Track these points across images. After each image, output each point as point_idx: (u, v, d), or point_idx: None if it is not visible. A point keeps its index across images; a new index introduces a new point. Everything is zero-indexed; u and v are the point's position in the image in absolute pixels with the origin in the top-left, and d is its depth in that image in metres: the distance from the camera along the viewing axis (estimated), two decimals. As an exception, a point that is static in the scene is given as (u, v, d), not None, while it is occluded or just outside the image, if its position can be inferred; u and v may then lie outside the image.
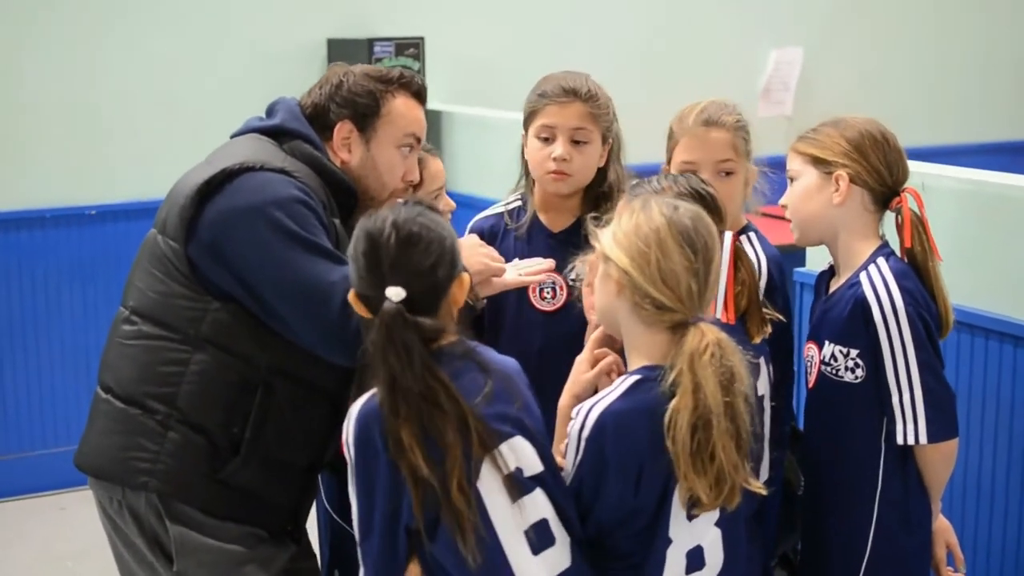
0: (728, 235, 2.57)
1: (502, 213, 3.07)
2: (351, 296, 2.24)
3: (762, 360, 2.69)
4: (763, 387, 2.67)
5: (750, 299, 2.60)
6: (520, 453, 2.20)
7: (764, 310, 2.67)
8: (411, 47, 5.44)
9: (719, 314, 2.55)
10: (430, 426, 2.12)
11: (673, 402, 2.19)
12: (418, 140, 2.86)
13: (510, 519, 2.17)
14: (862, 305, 2.64)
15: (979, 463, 3.45)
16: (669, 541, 2.26)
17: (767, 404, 2.70)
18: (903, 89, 6.91)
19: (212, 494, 2.62)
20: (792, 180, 2.79)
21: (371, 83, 2.79)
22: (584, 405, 2.28)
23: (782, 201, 2.82)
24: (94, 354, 5.34)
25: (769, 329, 2.69)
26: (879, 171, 2.71)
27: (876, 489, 2.69)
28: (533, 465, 2.21)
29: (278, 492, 2.69)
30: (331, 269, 2.54)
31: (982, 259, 3.26)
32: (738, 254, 2.58)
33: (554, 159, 2.91)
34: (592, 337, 2.49)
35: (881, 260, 2.68)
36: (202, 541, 2.62)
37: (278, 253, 2.55)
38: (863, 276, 2.67)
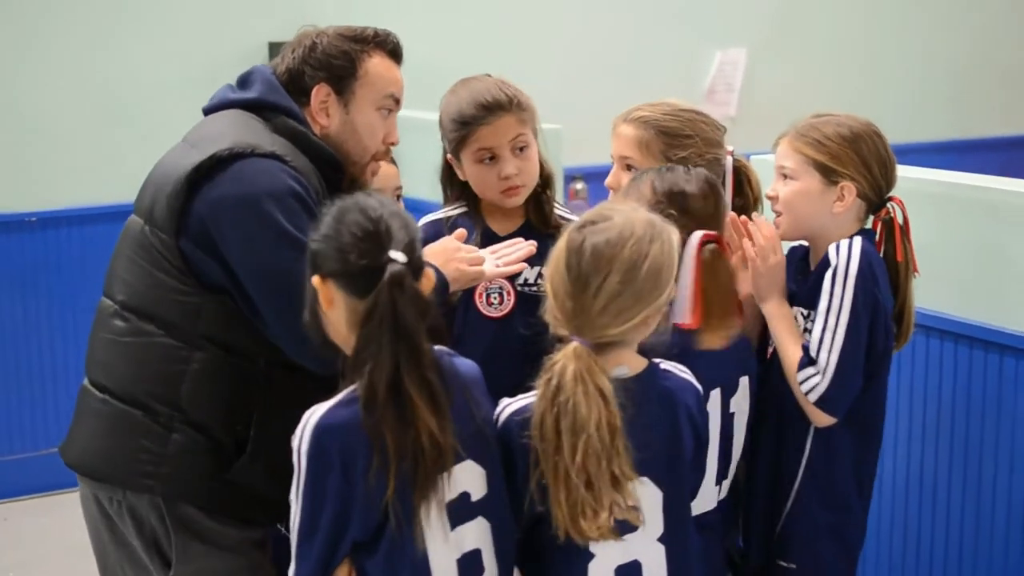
0: (696, 235, 2.54)
1: (442, 219, 2.96)
2: (316, 281, 2.14)
3: (746, 379, 2.68)
4: (736, 404, 2.65)
5: (716, 303, 2.57)
6: (467, 477, 2.16)
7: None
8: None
9: (679, 317, 2.53)
10: (436, 394, 2.07)
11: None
12: (397, 101, 2.76)
13: (444, 545, 2.13)
14: (825, 267, 2.66)
15: (921, 461, 3.47)
16: (590, 555, 2.23)
17: (740, 421, 2.67)
18: (846, 89, 6.94)
19: (218, 494, 2.57)
20: (787, 177, 2.75)
21: (346, 43, 2.69)
22: (505, 400, 2.28)
23: (770, 192, 2.80)
24: (36, 363, 5.38)
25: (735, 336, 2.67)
26: (880, 185, 2.73)
27: (802, 458, 2.72)
28: (479, 490, 2.18)
29: (278, 487, 2.58)
30: None
31: (923, 256, 3.28)
32: (715, 255, 2.56)
33: (504, 178, 2.81)
34: None
35: (857, 239, 2.67)
36: (202, 549, 2.57)
37: (266, 250, 2.47)
38: (832, 246, 2.68)
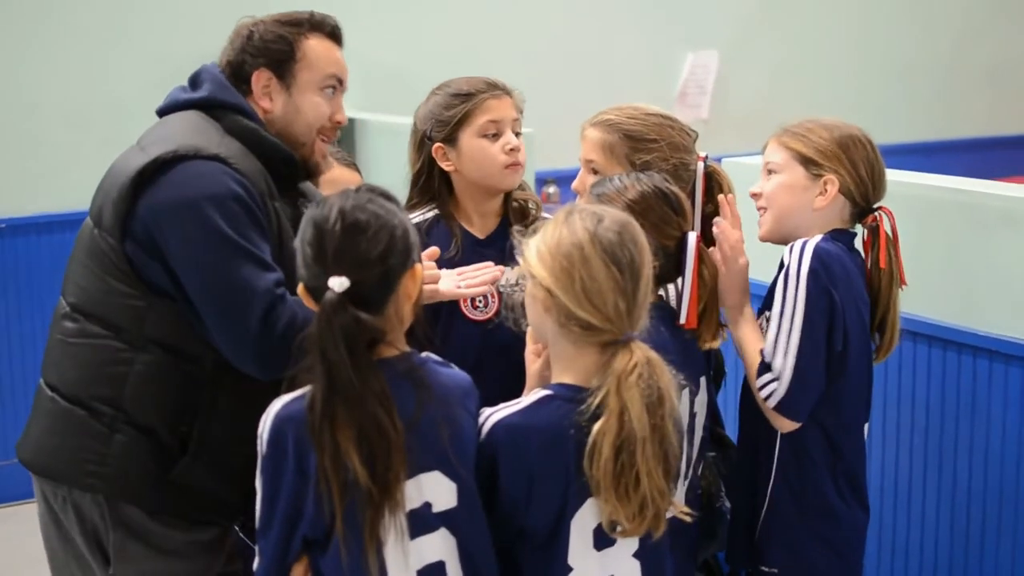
0: (692, 235, 2.55)
1: (419, 223, 2.91)
2: (300, 289, 2.13)
3: (703, 379, 2.67)
4: (698, 405, 2.64)
5: (708, 302, 2.59)
6: (432, 488, 2.13)
7: (720, 321, 2.66)
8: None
9: (682, 319, 2.53)
10: (370, 431, 2.03)
11: (598, 424, 2.12)
12: (340, 81, 2.76)
13: (401, 555, 2.10)
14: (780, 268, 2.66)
15: (895, 464, 3.47)
16: (569, 569, 2.20)
17: (700, 423, 2.66)
18: (819, 91, 6.96)
19: (161, 495, 2.57)
20: (771, 172, 2.75)
21: (282, 28, 2.69)
22: (487, 411, 2.23)
23: (754, 190, 2.79)
24: (6, 368, 5.32)
25: (725, 336, 2.67)
26: (865, 184, 2.71)
27: (773, 461, 2.71)
28: (445, 502, 2.14)
29: (227, 487, 2.62)
30: (258, 276, 2.46)
31: (905, 261, 3.29)
32: (701, 255, 2.56)
33: (511, 149, 2.85)
34: (529, 331, 2.41)
35: (815, 238, 2.65)
36: (142, 551, 2.57)
37: (205, 254, 2.47)
38: (788, 247, 2.67)
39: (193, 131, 2.60)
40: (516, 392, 2.38)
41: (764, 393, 2.61)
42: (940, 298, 3.34)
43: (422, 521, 2.12)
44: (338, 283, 2.04)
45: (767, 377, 2.61)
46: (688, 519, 2.28)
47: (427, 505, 2.13)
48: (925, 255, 3.35)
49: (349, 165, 3.13)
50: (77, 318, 2.61)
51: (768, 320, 2.67)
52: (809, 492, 2.70)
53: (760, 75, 6.94)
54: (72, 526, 2.63)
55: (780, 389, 2.59)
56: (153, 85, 5.33)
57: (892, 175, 3.52)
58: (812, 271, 2.59)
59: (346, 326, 2.02)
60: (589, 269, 2.15)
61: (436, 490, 2.14)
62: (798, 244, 2.64)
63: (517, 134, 2.89)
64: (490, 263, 2.77)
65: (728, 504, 2.87)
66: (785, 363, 2.58)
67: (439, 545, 2.14)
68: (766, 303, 2.73)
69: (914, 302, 3.33)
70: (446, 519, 2.15)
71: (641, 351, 2.16)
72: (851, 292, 2.65)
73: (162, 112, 2.76)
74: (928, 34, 7.46)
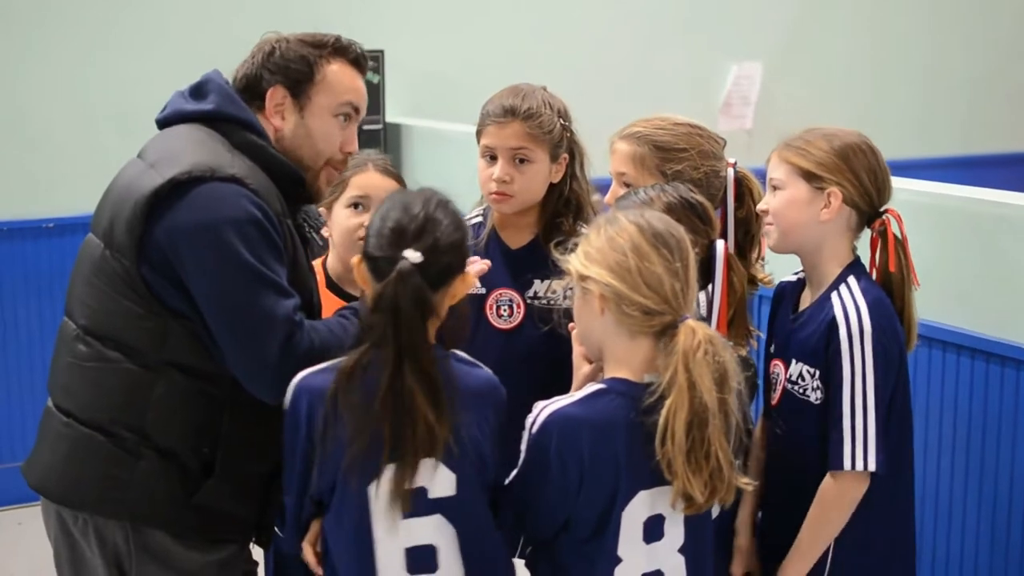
0: (720, 243, 2.57)
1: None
2: (355, 260, 2.28)
3: None
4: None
5: (736, 309, 2.61)
6: (429, 475, 2.23)
7: (749, 327, 2.67)
8: (371, 60, 5.39)
9: (712, 326, 2.54)
10: (420, 393, 2.18)
11: (668, 401, 2.18)
12: (356, 110, 2.70)
13: (387, 529, 2.22)
14: (831, 326, 2.62)
15: (937, 475, 3.46)
16: (618, 560, 2.25)
17: (732, 428, 2.66)
18: (861, 103, 6.95)
19: (185, 517, 2.54)
20: (776, 188, 2.73)
21: (304, 48, 2.64)
22: (541, 403, 2.28)
23: (761, 206, 2.78)
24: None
25: (755, 343, 2.68)
26: (869, 192, 2.68)
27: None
28: (442, 489, 2.24)
29: (247, 505, 2.61)
30: (277, 304, 2.42)
31: (937, 271, 3.28)
32: (730, 264, 2.57)
33: (494, 180, 2.88)
34: (575, 334, 2.45)
35: (852, 280, 2.65)
36: (163, 574, 2.56)
37: (224, 280, 2.43)
38: (835, 297, 2.64)
39: (202, 148, 2.54)
40: (535, 401, 2.40)
41: (859, 466, 2.57)
42: (981, 311, 3.33)
43: (415, 504, 2.22)
44: (414, 255, 2.18)
45: (858, 452, 2.57)
46: (749, 487, 2.32)
47: (422, 490, 2.22)
48: (966, 268, 3.34)
49: (386, 171, 3.11)
50: (90, 341, 2.54)
51: (812, 376, 2.65)
52: (872, 529, 2.66)
53: (804, 85, 6.93)
54: (93, 550, 2.59)
55: (871, 449, 2.56)
56: (157, 86, 5.41)
57: (934, 187, 3.54)
58: (876, 338, 2.58)
59: (418, 290, 2.16)
60: (643, 255, 2.24)
61: (434, 478, 2.23)
62: (850, 305, 2.62)
63: (523, 160, 2.88)
64: (476, 257, 2.75)
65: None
66: (866, 425, 2.57)
67: (431, 530, 2.24)
68: (799, 354, 2.70)
69: (955, 315, 3.34)
70: (441, 507, 2.24)
71: (703, 329, 2.22)
72: (899, 338, 2.65)
73: (163, 122, 2.72)
74: (965, 49, 7.43)
